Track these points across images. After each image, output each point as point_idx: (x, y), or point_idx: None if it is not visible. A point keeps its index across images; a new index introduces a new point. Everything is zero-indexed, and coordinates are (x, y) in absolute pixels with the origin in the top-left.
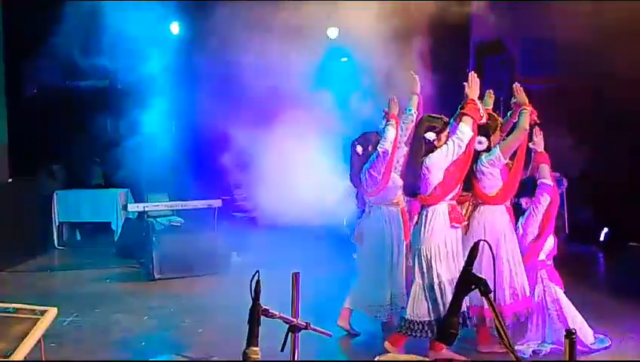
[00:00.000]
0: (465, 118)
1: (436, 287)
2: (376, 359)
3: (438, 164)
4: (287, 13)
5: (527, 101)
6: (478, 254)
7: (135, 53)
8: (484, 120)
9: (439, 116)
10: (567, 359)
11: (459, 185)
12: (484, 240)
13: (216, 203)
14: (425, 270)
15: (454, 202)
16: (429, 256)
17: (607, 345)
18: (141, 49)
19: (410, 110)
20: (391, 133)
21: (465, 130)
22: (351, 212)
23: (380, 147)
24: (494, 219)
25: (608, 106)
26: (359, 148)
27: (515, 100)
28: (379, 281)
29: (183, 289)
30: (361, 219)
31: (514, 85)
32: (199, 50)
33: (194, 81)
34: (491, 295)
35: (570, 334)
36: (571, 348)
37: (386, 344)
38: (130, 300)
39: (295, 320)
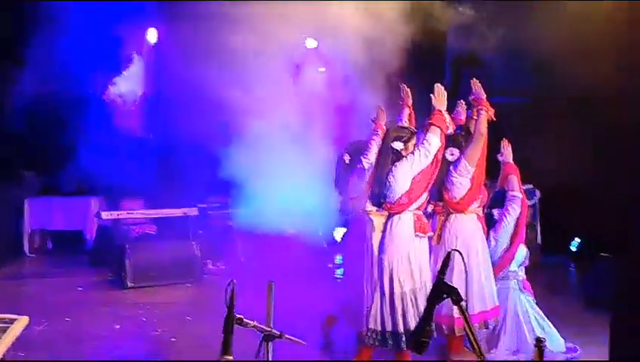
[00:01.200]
0: (432, 128)
1: (397, 297)
2: None
3: (405, 172)
4: (266, 24)
5: (484, 97)
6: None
7: (112, 60)
8: (450, 130)
9: (407, 126)
10: None
11: (425, 195)
12: (456, 250)
13: (192, 211)
14: (387, 279)
15: (420, 212)
16: (391, 265)
17: (577, 354)
18: (118, 56)
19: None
20: (375, 143)
21: (432, 139)
22: (327, 221)
23: (364, 157)
24: (465, 228)
25: (582, 119)
26: (347, 157)
27: (473, 97)
28: (358, 290)
29: (157, 298)
30: (345, 227)
31: (472, 80)
32: (177, 57)
33: (172, 88)
34: (463, 303)
35: (539, 342)
36: (540, 355)
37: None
38: (102, 309)
39: (269, 329)
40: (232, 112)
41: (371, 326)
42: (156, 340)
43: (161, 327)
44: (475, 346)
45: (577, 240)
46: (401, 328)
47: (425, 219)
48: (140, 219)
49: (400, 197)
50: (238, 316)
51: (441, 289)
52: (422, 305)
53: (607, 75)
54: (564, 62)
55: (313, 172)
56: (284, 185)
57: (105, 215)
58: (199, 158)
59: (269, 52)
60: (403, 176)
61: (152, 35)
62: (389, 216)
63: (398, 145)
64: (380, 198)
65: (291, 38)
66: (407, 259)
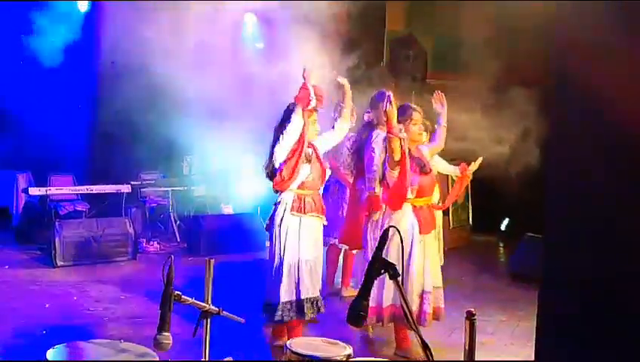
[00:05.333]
0: (296, 105)
1: (285, 269)
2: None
3: (279, 150)
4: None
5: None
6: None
7: (40, 29)
8: (313, 103)
9: None
10: (467, 338)
11: (295, 174)
12: (394, 227)
13: (125, 188)
14: (274, 253)
15: (303, 191)
16: (275, 240)
17: None
18: (47, 25)
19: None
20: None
21: (293, 117)
22: (265, 200)
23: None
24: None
25: (512, 102)
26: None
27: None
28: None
29: (89, 276)
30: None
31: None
32: (110, 29)
33: (104, 61)
34: (399, 278)
35: (471, 316)
36: (471, 328)
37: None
38: (30, 287)
39: (208, 305)
40: (168, 88)
41: (282, 300)
42: (88, 319)
43: (93, 306)
44: (410, 319)
45: (507, 220)
46: (285, 298)
47: (311, 200)
48: (70, 196)
49: (276, 175)
50: (176, 292)
51: (379, 265)
52: (307, 277)
53: (537, 57)
54: (495, 46)
55: (250, 150)
56: (221, 164)
57: (32, 190)
58: (133, 133)
59: (207, 26)
60: (278, 154)
61: (83, 4)
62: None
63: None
64: (267, 172)
65: (230, 13)
66: (286, 234)
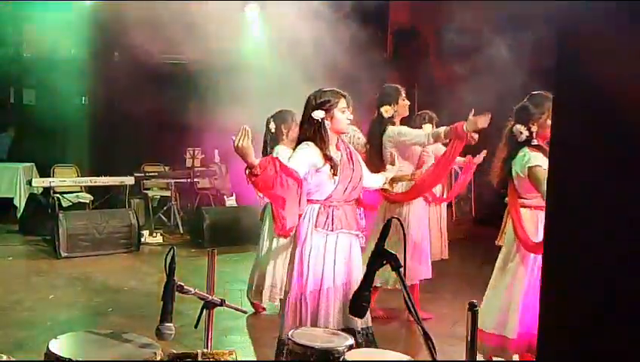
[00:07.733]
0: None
1: (311, 298)
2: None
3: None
4: None
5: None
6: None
7: (46, 22)
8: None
9: (333, 89)
10: (470, 330)
11: (329, 187)
12: (397, 218)
13: (128, 180)
14: (298, 277)
15: (339, 203)
16: (297, 261)
17: None
18: (51, 17)
19: None
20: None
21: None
22: None
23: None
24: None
25: (514, 92)
26: (272, 126)
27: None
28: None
29: (92, 268)
30: None
31: None
32: (115, 21)
33: (109, 52)
34: (401, 270)
35: (473, 307)
36: (474, 319)
37: None
38: (34, 279)
39: (210, 296)
40: (172, 80)
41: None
42: (92, 310)
43: (97, 297)
44: (412, 310)
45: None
46: None
47: (341, 213)
48: (74, 187)
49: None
50: (178, 283)
51: (381, 255)
52: (337, 308)
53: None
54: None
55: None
56: (224, 155)
57: (36, 182)
58: (137, 125)
59: (210, 18)
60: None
61: None
62: None
63: (318, 115)
64: None
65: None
66: (314, 251)
